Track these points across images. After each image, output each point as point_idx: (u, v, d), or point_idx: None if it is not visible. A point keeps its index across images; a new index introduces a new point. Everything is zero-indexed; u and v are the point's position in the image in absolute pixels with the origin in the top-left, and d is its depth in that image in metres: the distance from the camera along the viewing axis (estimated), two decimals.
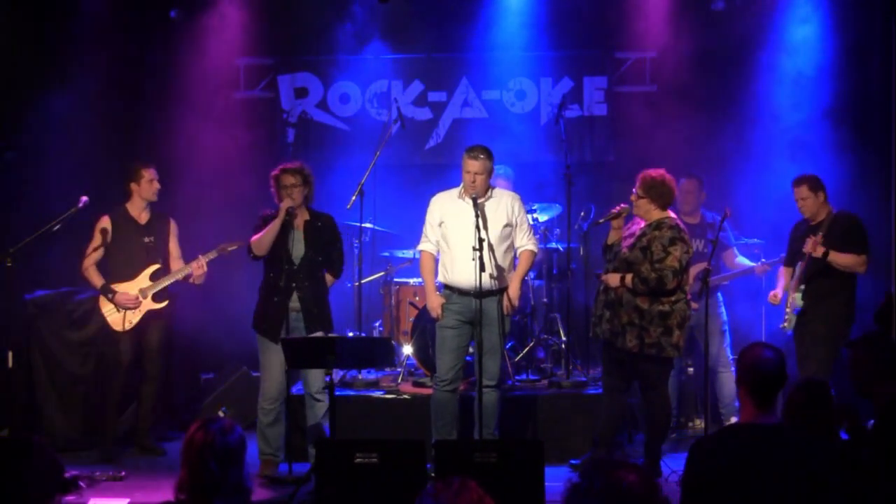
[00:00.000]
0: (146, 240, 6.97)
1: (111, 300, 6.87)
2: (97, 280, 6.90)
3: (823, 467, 3.42)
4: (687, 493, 3.54)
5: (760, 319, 7.85)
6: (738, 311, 7.73)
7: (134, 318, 6.90)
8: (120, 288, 6.87)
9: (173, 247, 7.09)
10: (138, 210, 7.00)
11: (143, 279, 6.92)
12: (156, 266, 6.95)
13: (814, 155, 7.90)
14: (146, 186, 6.96)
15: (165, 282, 6.92)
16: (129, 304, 6.85)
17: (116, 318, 6.89)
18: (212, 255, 6.86)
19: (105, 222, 6.93)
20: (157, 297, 6.93)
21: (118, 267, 6.93)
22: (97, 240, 6.89)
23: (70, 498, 5.60)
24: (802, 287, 6.69)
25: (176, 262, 7.05)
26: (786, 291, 6.85)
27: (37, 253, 7.08)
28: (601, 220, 6.51)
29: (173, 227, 7.12)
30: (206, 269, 6.85)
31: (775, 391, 3.73)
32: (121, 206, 7.00)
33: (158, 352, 7.05)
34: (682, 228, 6.23)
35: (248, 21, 8.59)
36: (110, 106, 8.29)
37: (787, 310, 6.77)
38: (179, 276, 6.92)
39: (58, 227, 6.85)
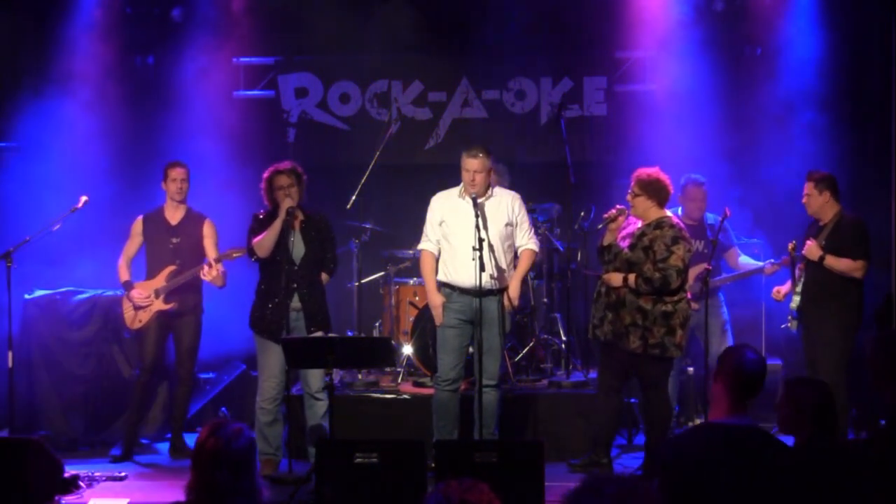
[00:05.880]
0: (173, 241, 6.97)
1: (127, 297, 6.95)
2: (123, 276, 6.99)
3: (792, 469, 3.45)
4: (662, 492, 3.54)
5: (761, 319, 7.84)
6: (739, 310, 7.72)
7: (144, 316, 6.93)
8: (139, 286, 6.94)
9: (209, 248, 6.99)
10: (171, 210, 7.04)
11: (160, 279, 6.95)
12: (173, 267, 6.92)
13: (814, 153, 7.89)
14: (171, 185, 6.98)
15: (175, 283, 6.90)
16: (139, 302, 6.90)
17: (130, 315, 6.97)
18: (221, 258, 6.83)
19: (137, 223, 7.04)
20: (167, 298, 6.92)
21: (150, 266, 7.03)
22: (130, 239, 7.02)
23: (70, 498, 5.61)
24: (799, 289, 6.58)
25: None
26: (790, 291, 6.78)
27: (37, 253, 7.07)
28: (600, 226, 6.44)
29: (208, 229, 7.05)
30: (217, 272, 6.77)
31: (753, 394, 3.75)
32: (160, 207, 7.06)
33: (189, 353, 7.02)
34: (683, 227, 6.22)
35: (248, 21, 8.59)
36: (110, 106, 8.28)
37: (793, 308, 6.67)
38: (187, 278, 6.87)
39: (58, 226, 6.84)
